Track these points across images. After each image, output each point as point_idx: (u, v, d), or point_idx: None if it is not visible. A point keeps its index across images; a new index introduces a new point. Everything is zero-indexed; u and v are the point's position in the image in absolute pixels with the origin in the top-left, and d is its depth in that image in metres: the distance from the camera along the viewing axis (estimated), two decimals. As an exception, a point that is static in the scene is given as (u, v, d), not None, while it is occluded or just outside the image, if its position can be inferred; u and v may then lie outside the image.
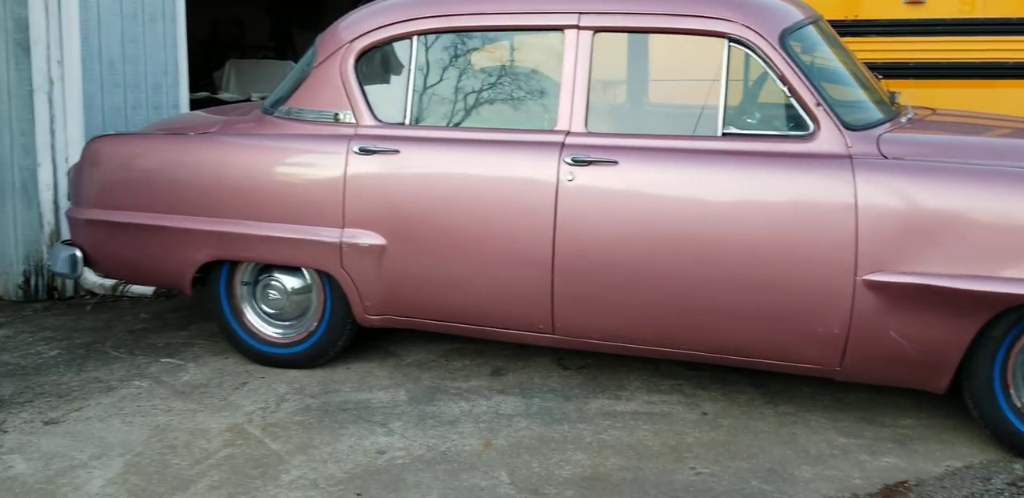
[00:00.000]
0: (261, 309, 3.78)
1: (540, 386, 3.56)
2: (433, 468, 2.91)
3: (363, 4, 4.05)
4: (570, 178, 3.18)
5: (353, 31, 3.53)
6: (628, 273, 3.13)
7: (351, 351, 3.84)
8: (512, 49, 3.61)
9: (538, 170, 3.21)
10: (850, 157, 2.96)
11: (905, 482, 2.81)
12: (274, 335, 3.76)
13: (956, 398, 3.06)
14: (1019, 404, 2.91)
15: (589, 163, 3.17)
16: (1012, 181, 2.84)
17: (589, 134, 3.23)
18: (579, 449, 3.03)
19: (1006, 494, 2.71)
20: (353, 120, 3.49)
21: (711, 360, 3.24)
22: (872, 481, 2.82)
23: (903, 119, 3.30)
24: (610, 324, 3.23)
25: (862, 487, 2.79)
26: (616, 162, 3.14)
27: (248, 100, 9.46)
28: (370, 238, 3.40)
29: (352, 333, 3.67)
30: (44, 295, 4.69)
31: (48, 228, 4.60)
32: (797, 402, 3.40)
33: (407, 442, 3.08)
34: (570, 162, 3.18)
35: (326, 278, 3.59)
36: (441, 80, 3.48)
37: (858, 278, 2.88)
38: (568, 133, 3.24)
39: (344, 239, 3.43)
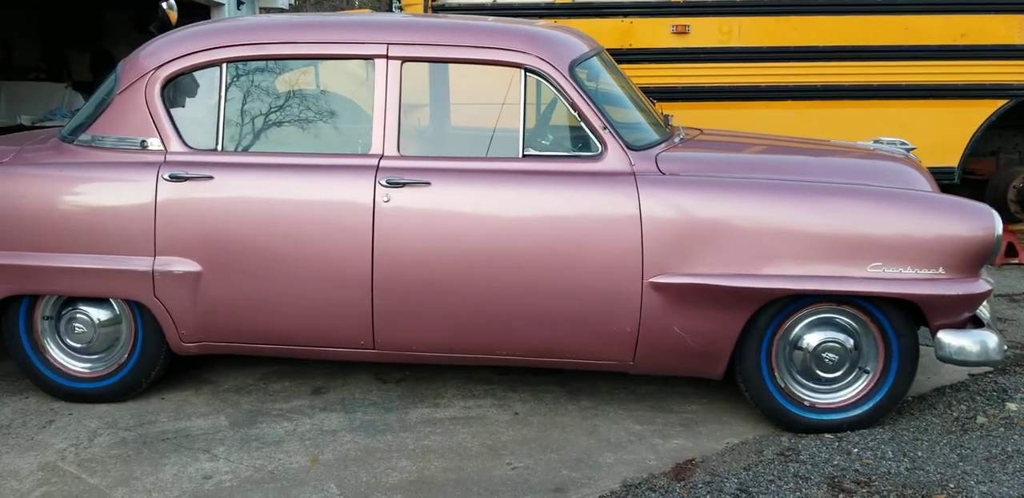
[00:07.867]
0: (66, 343, 3.66)
1: (361, 400, 3.67)
2: (262, 487, 2.96)
3: (152, 27, 4.00)
4: (386, 199, 3.34)
5: (157, 59, 3.51)
6: (444, 287, 3.32)
7: (163, 382, 3.78)
8: (324, 77, 3.71)
9: (355, 192, 3.33)
10: (633, 174, 3.31)
11: (693, 459, 3.17)
12: (81, 370, 3.65)
13: (732, 384, 3.47)
14: (782, 384, 3.36)
15: (403, 185, 3.34)
16: (768, 191, 3.28)
17: (402, 157, 3.39)
18: (404, 456, 3.18)
19: (776, 463, 3.11)
20: (162, 147, 3.48)
21: (521, 363, 3.49)
22: (665, 461, 3.17)
23: (676, 139, 3.70)
24: (428, 336, 3.40)
25: (657, 467, 3.13)
26: (429, 183, 3.34)
27: (20, 125, 8.89)
28: (185, 265, 3.41)
29: (166, 362, 3.64)
30: None
31: None
32: (597, 397, 3.72)
33: (233, 465, 3.11)
34: (385, 184, 3.34)
35: (137, 308, 3.55)
36: (253, 107, 3.53)
37: (645, 281, 3.23)
38: (382, 156, 3.40)
39: (157, 267, 3.42)
